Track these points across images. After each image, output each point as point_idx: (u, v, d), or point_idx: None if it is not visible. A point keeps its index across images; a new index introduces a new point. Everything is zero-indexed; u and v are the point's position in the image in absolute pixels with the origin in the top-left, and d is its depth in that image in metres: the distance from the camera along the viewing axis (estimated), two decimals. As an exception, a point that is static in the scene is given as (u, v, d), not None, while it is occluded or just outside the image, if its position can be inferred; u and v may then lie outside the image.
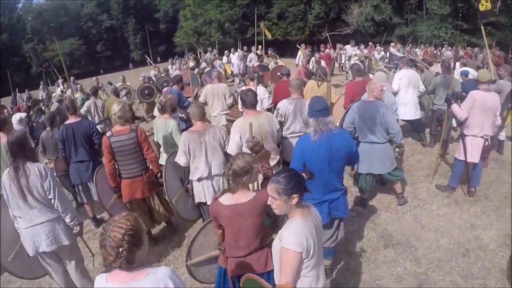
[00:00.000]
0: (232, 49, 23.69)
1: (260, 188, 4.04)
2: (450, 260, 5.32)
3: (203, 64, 20.27)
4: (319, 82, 8.99)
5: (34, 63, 56.51)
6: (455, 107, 6.67)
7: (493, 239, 5.76)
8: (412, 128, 9.73)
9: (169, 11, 64.28)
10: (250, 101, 5.49)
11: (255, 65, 15.72)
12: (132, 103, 14.52)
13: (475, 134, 6.57)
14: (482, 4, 8.33)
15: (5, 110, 13.83)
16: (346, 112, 6.75)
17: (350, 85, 8.50)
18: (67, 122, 6.73)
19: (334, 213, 4.48)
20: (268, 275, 3.51)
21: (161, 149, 7.01)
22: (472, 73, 10.15)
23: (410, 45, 27.53)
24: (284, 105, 6.56)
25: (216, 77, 9.55)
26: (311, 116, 4.31)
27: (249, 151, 3.87)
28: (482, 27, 9.42)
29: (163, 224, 6.61)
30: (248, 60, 18.63)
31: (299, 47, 20.62)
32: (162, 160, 6.63)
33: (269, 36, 21.99)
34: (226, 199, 3.47)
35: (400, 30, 37.99)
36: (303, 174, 2.93)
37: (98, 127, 9.76)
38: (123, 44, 65.29)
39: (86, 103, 10.93)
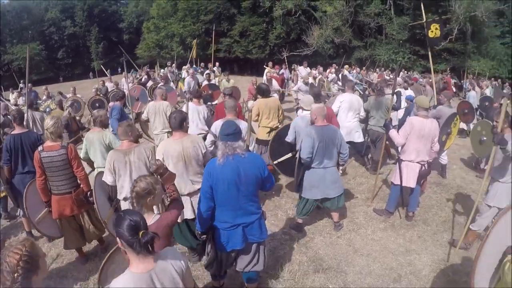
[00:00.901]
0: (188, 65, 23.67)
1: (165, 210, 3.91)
2: (380, 286, 5.31)
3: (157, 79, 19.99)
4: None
5: (-1, 67, 54.90)
6: (392, 132, 6.78)
7: (427, 264, 5.83)
8: (356, 151, 9.80)
9: (134, 22, 63.82)
10: (176, 123, 5.32)
11: (203, 84, 15.62)
12: (81, 115, 14.32)
13: (411, 160, 6.66)
14: (432, 31, 8.83)
15: None
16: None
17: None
18: (14, 132, 6.53)
19: (249, 237, 4.40)
20: None
21: (95, 165, 6.82)
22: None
23: (366, 68, 28.10)
24: (217, 125, 6.68)
25: (159, 95, 9.37)
26: (220, 140, 4.26)
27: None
28: (430, 53, 9.92)
29: (95, 241, 6.44)
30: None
31: (265, 66, 20.62)
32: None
33: (194, 54, 22.12)
34: None
35: (359, 53, 38.83)
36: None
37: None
38: (85, 52, 64.21)
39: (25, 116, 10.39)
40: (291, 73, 22.07)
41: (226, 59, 46.07)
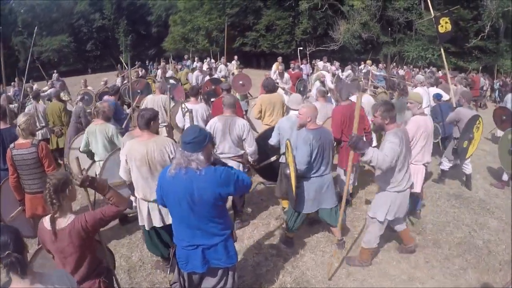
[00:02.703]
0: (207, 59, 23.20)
1: None
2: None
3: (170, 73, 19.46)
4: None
5: (22, 57, 55.61)
6: None
7: (431, 296, 4.94)
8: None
9: (162, 15, 63.77)
10: (142, 121, 4.84)
11: (206, 80, 14.94)
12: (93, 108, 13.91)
13: (416, 161, 6.12)
14: (442, 26, 8.28)
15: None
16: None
17: (338, 110, 7.09)
18: None
19: (213, 261, 3.76)
20: None
21: (97, 158, 6.83)
22: (445, 96, 9.83)
23: (394, 64, 27.17)
24: (212, 122, 6.32)
25: (158, 88, 9.33)
26: (180, 147, 3.62)
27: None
28: (442, 49, 9.35)
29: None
30: (218, 70, 18.04)
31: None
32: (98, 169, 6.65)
33: None
34: (48, 223, 3.29)
35: (387, 49, 37.52)
36: None
37: (39, 133, 9.60)
38: (114, 44, 64.67)
39: (27, 108, 10.33)
40: (313, 70, 21.21)
41: (252, 53, 45.78)
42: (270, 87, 8.55)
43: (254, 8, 44.54)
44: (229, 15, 44.71)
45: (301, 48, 25.24)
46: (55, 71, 22.70)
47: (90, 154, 6.99)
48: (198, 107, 7.96)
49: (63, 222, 3.29)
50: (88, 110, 10.83)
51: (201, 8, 48.16)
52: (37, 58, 45.16)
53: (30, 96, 11.17)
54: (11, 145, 5.52)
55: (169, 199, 3.63)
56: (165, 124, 8.50)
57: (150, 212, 5.01)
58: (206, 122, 7.91)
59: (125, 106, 13.91)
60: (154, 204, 4.88)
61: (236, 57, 23.08)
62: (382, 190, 5.20)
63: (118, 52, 62.66)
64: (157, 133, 5.19)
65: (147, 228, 5.13)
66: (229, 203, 7.11)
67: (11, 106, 10.39)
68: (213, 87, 13.06)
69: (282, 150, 6.32)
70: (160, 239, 5.24)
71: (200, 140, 3.48)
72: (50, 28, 59.56)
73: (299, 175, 5.38)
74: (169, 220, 4.94)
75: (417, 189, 6.18)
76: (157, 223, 5.02)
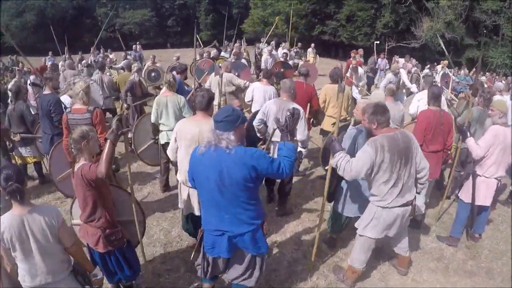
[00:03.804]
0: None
1: None
2: None
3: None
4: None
5: (105, 28, 57.76)
6: (470, 141, 5.79)
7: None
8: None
9: (244, -3, 64.17)
10: (199, 102, 4.89)
11: (275, 63, 15.21)
12: (161, 84, 14.15)
13: (490, 175, 5.73)
14: None
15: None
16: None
17: (424, 114, 6.27)
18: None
19: (241, 246, 3.76)
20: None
21: (168, 128, 6.96)
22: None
23: (475, 70, 26.08)
24: (268, 105, 6.30)
25: (224, 67, 9.53)
26: (213, 127, 3.59)
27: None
28: None
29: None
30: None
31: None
32: (164, 139, 6.99)
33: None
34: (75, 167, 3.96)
35: (471, 52, 36.03)
36: None
37: (103, 102, 9.90)
38: (194, 22, 65.69)
39: (94, 77, 10.92)
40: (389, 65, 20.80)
41: (330, 42, 45.28)
42: (335, 77, 8.42)
43: (336, -4, 43.77)
44: (310, 1, 44.41)
45: (378, 42, 24.72)
46: (137, 42, 23.32)
47: (156, 129, 7.26)
48: (268, 89, 8.43)
49: (77, 166, 3.89)
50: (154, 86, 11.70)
51: (283, -7, 47.69)
52: (118, 29, 46.57)
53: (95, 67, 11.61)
54: (67, 109, 5.98)
55: (198, 178, 3.64)
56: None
57: (190, 198, 5.06)
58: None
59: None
60: (194, 190, 4.69)
61: (313, 44, 22.92)
62: (369, 200, 4.76)
63: (198, 30, 63.78)
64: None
65: (185, 214, 5.27)
66: (265, 192, 7.18)
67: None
68: (282, 70, 13.48)
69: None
70: (195, 225, 5.21)
71: (233, 120, 3.48)
72: (133, 2, 61.15)
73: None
74: None
75: (486, 202, 5.84)
76: (196, 211, 5.05)
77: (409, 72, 15.13)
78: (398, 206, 4.48)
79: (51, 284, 3.50)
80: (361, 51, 18.82)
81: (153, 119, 7.08)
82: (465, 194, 6.00)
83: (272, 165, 3.51)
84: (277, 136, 5.67)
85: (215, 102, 8.59)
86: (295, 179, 7.83)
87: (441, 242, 6.24)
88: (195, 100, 4.98)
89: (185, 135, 4.79)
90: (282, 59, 16.40)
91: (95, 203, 3.95)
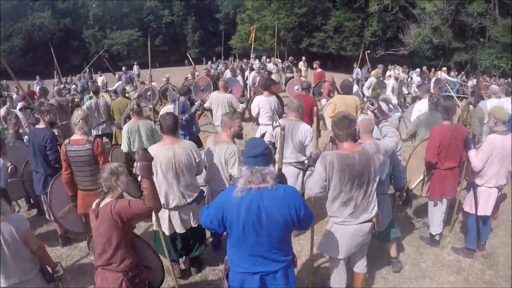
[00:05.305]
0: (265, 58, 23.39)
1: None
2: None
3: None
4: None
5: (92, 49, 57.88)
6: (472, 152, 5.65)
7: None
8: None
9: (230, 13, 64.49)
10: (168, 126, 4.87)
11: (260, 79, 15.42)
12: (156, 104, 14.50)
13: (490, 186, 5.64)
14: None
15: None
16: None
17: (438, 129, 6.01)
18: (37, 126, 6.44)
19: (270, 287, 3.42)
20: None
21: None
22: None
23: (463, 73, 26.26)
24: (276, 128, 6.12)
25: (222, 87, 9.57)
26: (244, 163, 3.31)
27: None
28: None
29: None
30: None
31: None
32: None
33: (251, 41, 20.37)
34: (95, 204, 3.87)
35: (459, 56, 36.31)
36: None
37: (100, 127, 9.94)
38: (181, 40, 65.93)
39: (87, 103, 10.51)
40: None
41: (319, 54, 45.45)
42: (346, 89, 8.73)
43: (323, 8, 44.32)
44: (297, 15, 44.86)
45: (369, 51, 24.90)
46: (135, 62, 23.63)
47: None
48: (271, 99, 9.05)
49: (103, 203, 3.74)
50: (150, 106, 11.37)
51: (269, 7, 48.12)
52: (106, 51, 46.85)
53: (91, 90, 11.32)
54: (66, 141, 5.51)
55: (233, 223, 3.28)
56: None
57: (171, 219, 5.04)
58: (278, 113, 9.08)
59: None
60: (175, 211, 4.99)
61: (304, 58, 23.08)
62: None
63: (186, 48, 64.09)
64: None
65: (167, 234, 5.07)
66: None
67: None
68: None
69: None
70: (174, 244, 5.26)
71: (270, 152, 3.27)
72: (120, 23, 61.79)
73: None
74: (191, 224, 5.12)
75: (487, 212, 5.75)
76: (179, 229, 5.07)
77: (396, 78, 14.65)
78: (353, 225, 4.26)
79: (23, 283, 3.65)
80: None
81: (125, 148, 6.99)
82: (468, 205, 5.96)
83: (306, 208, 3.32)
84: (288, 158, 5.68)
85: (217, 123, 8.91)
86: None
87: (457, 254, 6.15)
88: (162, 124, 4.96)
89: (161, 160, 4.77)
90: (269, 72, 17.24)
91: (118, 244, 3.72)
